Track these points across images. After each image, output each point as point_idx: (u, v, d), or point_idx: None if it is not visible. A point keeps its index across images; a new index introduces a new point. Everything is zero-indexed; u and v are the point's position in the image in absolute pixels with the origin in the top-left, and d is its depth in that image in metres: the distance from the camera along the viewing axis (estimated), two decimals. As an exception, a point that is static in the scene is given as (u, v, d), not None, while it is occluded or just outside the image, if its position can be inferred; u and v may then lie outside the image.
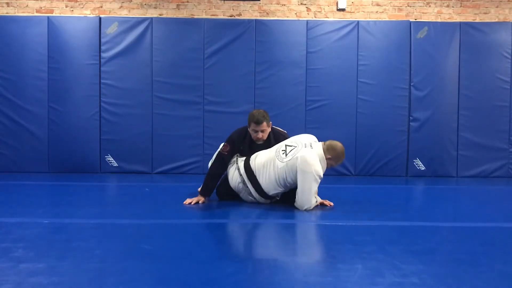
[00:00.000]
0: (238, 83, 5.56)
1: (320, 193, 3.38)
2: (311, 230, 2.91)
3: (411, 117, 5.61)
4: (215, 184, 3.65)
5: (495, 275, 2.07)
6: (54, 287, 1.87)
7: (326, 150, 3.34)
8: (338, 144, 3.42)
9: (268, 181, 3.37)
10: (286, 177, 3.30)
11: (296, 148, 3.32)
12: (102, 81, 5.49)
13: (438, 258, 2.31)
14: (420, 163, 5.63)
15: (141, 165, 5.57)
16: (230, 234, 2.83)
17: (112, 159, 5.54)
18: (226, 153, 3.56)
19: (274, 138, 3.68)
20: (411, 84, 5.59)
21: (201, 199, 3.57)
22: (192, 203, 3.50)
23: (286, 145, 3.40)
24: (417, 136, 5.60)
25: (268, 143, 3.65)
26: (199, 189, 3.66)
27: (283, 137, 3.68)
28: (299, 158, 3.22)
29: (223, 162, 3.59)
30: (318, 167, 3.22)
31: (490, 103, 5.63)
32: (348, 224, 3.02)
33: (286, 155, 3.31)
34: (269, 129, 3.64)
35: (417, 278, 2.01)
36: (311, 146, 3.35)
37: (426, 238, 2.71)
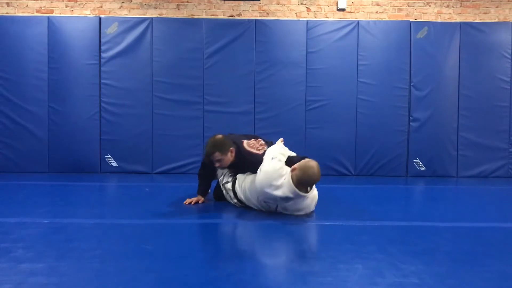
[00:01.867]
0: (238, 83, 5.56)
1: (320, 193, 3.36)
2: (311, 230, 2.91)
3: (411, 117, 5.60)
4: (208, 184, 3.69)
5: (495, 275, 2.07)
6: (54, 287, 1.87)
7: (298, 166, 3.06)
8: (310, 168, 3.04)
9: (255, 205, 3.32)
10: (262, 198, 3.20)
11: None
12: (102, 81, 5.49)
13: (438, 258, 2.31)
14: (420, 163, 5.63)
15: (141, 165, 5.57)
16: (230, 234, 2.83)
17: (112, 159, 5.54)
18: (207, 161, 3.51)
19: (241, 161, 3.40)
20: (411, 84, 5.59)
21: (200, 199, 3.59)
22: (192, 203, 3.51)
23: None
24: (417, 136, 5.60)
25: (241, 166, 3.45)
26: None
27: (254, 158, 3.33)
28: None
29: (207, 166, 3.57)
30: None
31: (490, 103, 5.63)
32: (348, 224, 3.02)
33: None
34: (227, 157, 3.36)
35: (417, 278, 2.01)
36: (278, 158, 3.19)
37: (426, 238, 2.71)
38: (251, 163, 3.31)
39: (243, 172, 3.47)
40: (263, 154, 3.31)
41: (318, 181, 3.09)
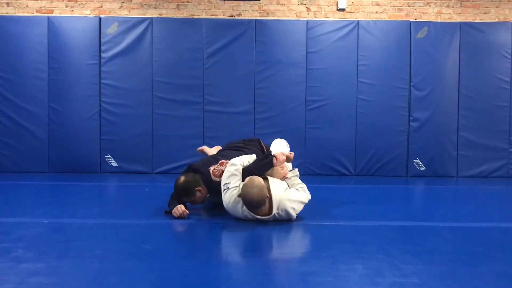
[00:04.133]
0: (238, 83, 5.56)
1: (320, 192, 3.37)
2: (311, 230, 2.91)
3: (411, 117, 5.60)
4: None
5: (495, 275, 2.07)
6: (54, 287, 1.87)
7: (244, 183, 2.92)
8: (251, 189, 2.84)
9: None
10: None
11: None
12: (102, 81, 5.49)
13: (438, 258, 2.31)
14: (420, 163, 5.63)
15: (141, 165, 5.57)
16: (230, 234, 2.83)
17: (112, 159, 5.54)
18: None
19: (215, 191, 3.23)
20: (411, 84, 5.59)
21: (181, 207, 3.15)
22: (179, 216, 3.17)
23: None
24: (417, 136, 5.60)
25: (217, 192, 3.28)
26: None
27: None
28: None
29: None
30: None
31: (490, 103, 5.63)
32: (348, 224, 3.02)
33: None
34: (196, 197, 3.19)
35: (417, 278, 2.01)
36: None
37: (426, 238, 2.71)
38: (220, 191, 3.15)
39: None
40: None
41: (262, 200, 2.84)
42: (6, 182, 4.70)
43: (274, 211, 2.92)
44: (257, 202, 2.85)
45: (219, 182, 3.14)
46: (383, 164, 5.62)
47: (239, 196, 2.89)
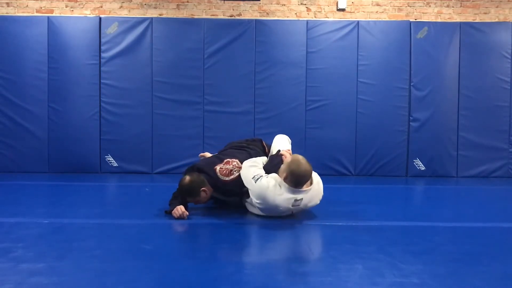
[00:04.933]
0: (238, 83, 5.56)
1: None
2: (311, 230, 2.91)
3: (411, 117, 5.60)
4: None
5: (495, 275, 2.07)
6: (54, 287, 1.87)
7: (287, 171, 2.99)
8: (300, 165, 2.97)
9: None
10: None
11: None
12: (102, 81, 5.49)
13: (438, 258, 2.31)
14: (420, 163, 5.63)
15: (141, 165, 5.56)
16: (230, 234, 2.82)
17: (112, 159, 5.54)
18: None
19: (221, 190, 3.27)
20: (411, 84, 5.59)
21: (182, 207, 3.14)
22: (180, 217, 3.16)
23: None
24: (417, 136, 5.60)
25: (224, 192, 3.32)
26: None
27: (231, 186, 3.23)
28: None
29: None
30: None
31: (490, 103, 5.63)
32: (348, 224, 3.02)
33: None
34: (201, 197, 3.19)
35: (417, 278, 2.01)
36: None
37: (426, 238, 2.71)
38: (230, 190, 3.21)
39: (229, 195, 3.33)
40: (239, 175, 3.16)
41: (311, 169, 2.99)
42: (6, 182, 4.70)
43: (314, 181, 3.06)
44: (307, 173, 2.96)
45: (228, 182, 3.17)
46: (383, 164, 5.62)
47: (287, 173, 2.91)
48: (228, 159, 3.31)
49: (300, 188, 2.97)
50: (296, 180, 2.94)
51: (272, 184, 2.94)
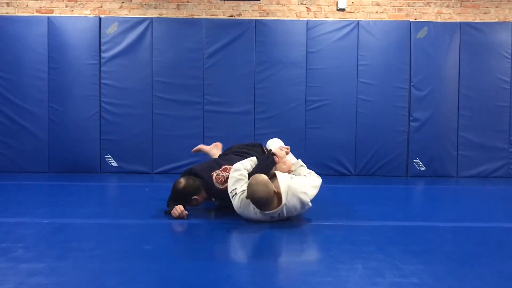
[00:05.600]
0: (238, 83, 5.56)
1: (320, 192, 3.34)
2: (311, 230, 2.91)
3: (411, 117, 5.60)
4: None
5: (495, 275, 2.07)
6: (54, 287, 1.87)
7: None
8: (254, 190, 2.83)
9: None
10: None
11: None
12: (102, 81, 5.49)
13: (438, 258, 2.31)
14: (420, 163, 5.63)
15: (141, 165, 5.56)
16: (230, 234, 2.82)
17: (112, 159, 5.54)
18: None
19: (216, 196, 3.28)
20: (411, 84, 5.59)
21: (181, 207, 3.16)
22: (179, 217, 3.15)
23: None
24: (417, 136, 5.60)
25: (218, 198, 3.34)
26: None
27: (224, 193, 3.16)
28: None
29: None
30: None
31: (490, 103, 5.63)
32: (348, 224, 3.02)
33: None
34: (194, 202, 3.18)
35: (417, 278, 2.01)
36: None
37: (426, 238, 2.71)
38: (224, 199, 3.17)
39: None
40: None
41: (270, 195, 2.80)
42: (6, 182, 4.70)
43: (284, 200, 2.84)
44: (266, 199, 2.82)
45: (222, 190, 3.12)
46: (383, 164, 5.62)
47: (247, 198, 2.87)
48: (226, 166, 3.27)
49: (267, 211, 2.88)
50: (256, 205, 2.86)
51: (243, 204, 2.91)
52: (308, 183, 3.01)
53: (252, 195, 2.82)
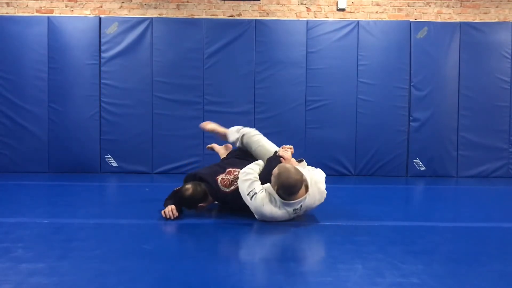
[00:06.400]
0: (238, 83, 5.56)
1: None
2: (311, 230, 2.91)
3: (411, 117, 5.61)
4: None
5: (495, 275, 2.07)
6: (54, 287, 1.87)
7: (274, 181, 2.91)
8: (284, 176, 2.85)
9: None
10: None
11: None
12: (102, 81, 5.49)
13: (438, 258, 2.31)
14: (420, 163, 5.63)
15: (141, 165, 5.57)
16: (230, 234, 2.82)
17: (112, 159, 5.54)
18: None
19: (221, 200, 3.28)
20: (411, 84, 5.59)
21: (173, 208, 3.14)
22: (171, 218, 3.14)
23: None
24: (417, 136, 5.60)
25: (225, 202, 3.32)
26: None
27: (231, 196, 3.16)
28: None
29: None
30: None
31: (490, 103, 5.63)
32: (348, 224, 3.02)
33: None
34: (198, 208, 3.16)
35: (417, 278, 2.01)
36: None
37: (426, 238, 2.71)
38: (230, 202, 3.18)
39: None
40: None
41: (300, 179, 2.85)
42: (6, 182, 4.70)
43: (310, 189, 2.92)
44: (300, 182, 2.85)
45: (228, 193, 3.13)
46: (383, 164, 5.62)
47: (277, 189, 2.85)
48: (230, 169, 3.28)
49: (295, 199, 2.90)
50: (287, 192, 2.87)
51: (267, 201, 2.91)
52: (321, 177, 3.13)
53: (287, 181, 2.81)
